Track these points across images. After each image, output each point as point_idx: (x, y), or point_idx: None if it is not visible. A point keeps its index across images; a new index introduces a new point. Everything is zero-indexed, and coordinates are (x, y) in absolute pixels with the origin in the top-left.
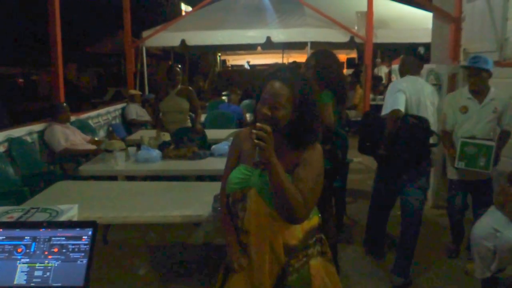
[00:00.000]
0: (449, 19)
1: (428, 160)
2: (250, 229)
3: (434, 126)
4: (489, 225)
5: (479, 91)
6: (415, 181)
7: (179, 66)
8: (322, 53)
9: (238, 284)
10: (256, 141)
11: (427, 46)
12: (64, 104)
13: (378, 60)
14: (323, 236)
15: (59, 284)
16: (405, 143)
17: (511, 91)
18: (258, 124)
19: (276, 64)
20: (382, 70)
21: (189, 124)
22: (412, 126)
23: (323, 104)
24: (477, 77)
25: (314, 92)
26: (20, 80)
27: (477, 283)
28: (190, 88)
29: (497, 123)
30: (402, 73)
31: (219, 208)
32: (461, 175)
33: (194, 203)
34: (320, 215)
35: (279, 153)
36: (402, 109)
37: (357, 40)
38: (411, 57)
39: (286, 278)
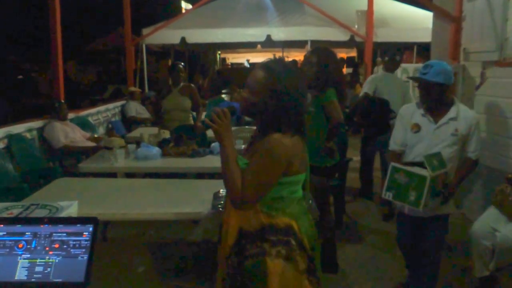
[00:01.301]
0: (449, 19)
1: (388, 133)
2: (226, 208)
3: (395, 106)
4: (488, 224)
5: (435, 108)
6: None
7: (182, 63)
8: (323, 50)
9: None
10: (207, 121)
11: (401, 53)
12: (62, 101)
13: (379, 59)
14: (293, 242)
15: (60, 280)
16: (371, 114)
17: (510, 92)
18: (217, 108)
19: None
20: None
21: (191, 122)
22: (375, 104)
23: (330, 102)
24: (426, 92)
25: (299, 84)
26: (20, 76)
27: (475, 281)
28: (192, 85)
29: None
30: (384, 69)
31: (219, 206)
32: (409, 209)
33: (194, 200)
34: (297, 222)
35: (255, 141)
36: (371, 93)
37: (357, 39)
38: (390, 61)
39: (245, 262)
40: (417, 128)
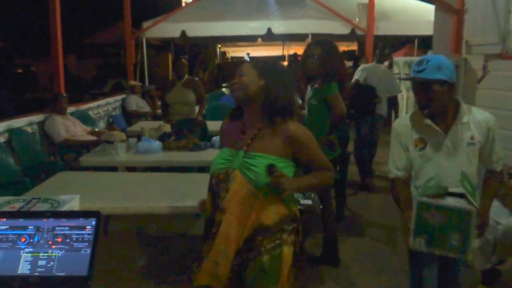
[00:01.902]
0: (451, 11)
1: (374, 114)
2: (228, 207)
3: (381, 92)
4: (490, 217)
5: (440, 113)
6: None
7: (186, 57)
8: (327, 43)
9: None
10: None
11: (390, 48)
12: (64, 94)
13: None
14: (300, 228)
15: (63, 274)
16: (359, 98)
17: None
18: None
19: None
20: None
21: (195, 115)
22: (364, 89)
23: (333, 95)
24: (426, 93)
25: (286, 75)
26: (20, 70)
27: (477, 274)
28: (196, 79)
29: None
30: (375, 60)
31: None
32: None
33: (195, 194)
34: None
35: (260, 133)
36: (361, 80)
37: (358, 32)
38: (380, 53)
39: (259, 257)
40: (422, 144)
